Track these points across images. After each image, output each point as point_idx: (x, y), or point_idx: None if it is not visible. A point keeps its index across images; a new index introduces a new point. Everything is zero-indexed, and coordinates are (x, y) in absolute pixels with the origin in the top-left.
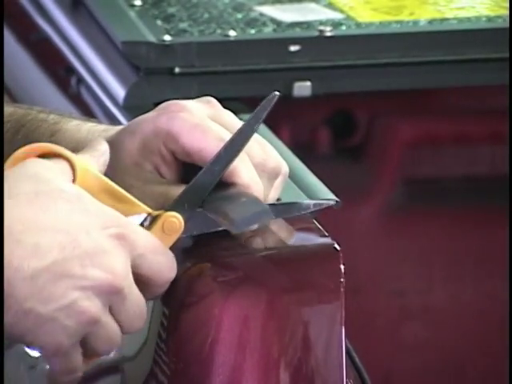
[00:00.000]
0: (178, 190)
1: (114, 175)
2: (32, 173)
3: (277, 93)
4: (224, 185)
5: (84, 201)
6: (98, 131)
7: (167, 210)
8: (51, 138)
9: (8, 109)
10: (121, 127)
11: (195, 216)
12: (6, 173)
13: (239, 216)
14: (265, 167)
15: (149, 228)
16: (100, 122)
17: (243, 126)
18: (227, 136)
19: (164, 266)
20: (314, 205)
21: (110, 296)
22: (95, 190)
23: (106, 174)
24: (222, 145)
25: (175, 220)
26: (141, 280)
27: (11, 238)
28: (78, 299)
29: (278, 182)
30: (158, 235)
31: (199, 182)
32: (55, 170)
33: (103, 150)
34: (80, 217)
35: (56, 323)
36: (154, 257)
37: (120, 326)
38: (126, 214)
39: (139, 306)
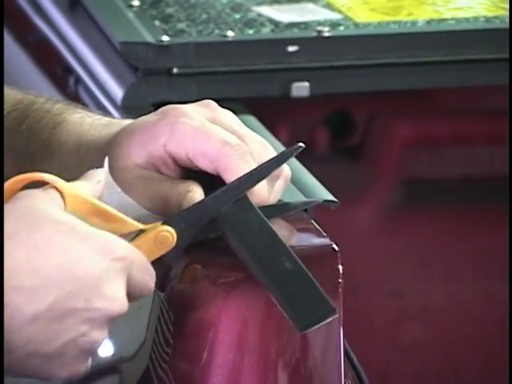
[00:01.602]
0: (178, 193)
1: (113, 174)
2: (24, 208)
3: (302, 144)
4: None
5: (79, 229)
6: (99, 126)
7: (163, 224)
8: (54, 130)
9: (16, 95)
10: (123, 122)
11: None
12: None
13: (307, 319)
14: None
15: (140, 237)
16: (105, 115)
17: (262, 165)
18: (229, 138)
19: (148, 284)
20: (305, 203)
21: (113, 319)
22: (85, 213)
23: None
24: (226, 148)
25: (168, 235)
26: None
27: (8, 285)
28: (86, 332)
29: (280, 185)
30: (148, 246)
31: (204, 206)
32: (46, 201)
33: (99, 178)
34: (77, 248)
35: (65, 357)
36: (142, 275)
37: None
38: (119, 232)
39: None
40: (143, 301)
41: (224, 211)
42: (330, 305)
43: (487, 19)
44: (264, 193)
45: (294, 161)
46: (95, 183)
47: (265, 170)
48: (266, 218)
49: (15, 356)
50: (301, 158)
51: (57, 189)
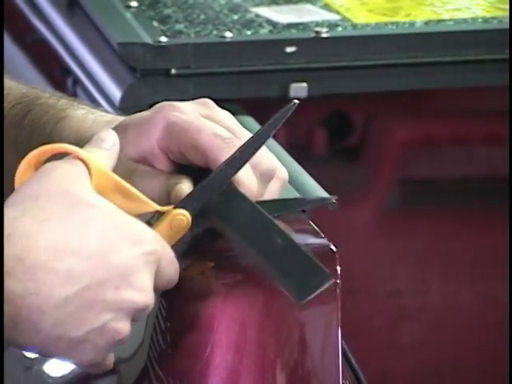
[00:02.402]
0: (167, 185)
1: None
2: (58, 189)
3: (296, 101)
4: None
5: (114, 216)
6: (102, 122)
7: (176, 207)
8: (56, 126)
9: (21, 89)
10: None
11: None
12: (27, 180)
13: (304, 289)
14: (257, 169)
15: (156, 224)
16: (108, 112)
17: (260, 130)
18: (222, 132)
19: (173, 276)
20: (314, 201)
21: (140, 312)
22: (108, 189)
23: None
24: (217, 141)
25: (183, 218)
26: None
27: (42, 266)
28: (112, 321)
29: (275, 186)
30: (165, 231)
31: (211, 182)
32: (78, 180)
33: (113, 141)
34: (112, 235)
35: (88, 344)
36: (168, 268)
37: None
38: (136, 212)
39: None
40: None
41: (213, 201)
42: (324, 271)
43: (485, 20)
44: (251, 183)
45: (292, 162)
46: (110, 149)
47: (265, 133)
48: (253, 202)
49: (42, 337)
50: (299, 158)
51: (83, 161)
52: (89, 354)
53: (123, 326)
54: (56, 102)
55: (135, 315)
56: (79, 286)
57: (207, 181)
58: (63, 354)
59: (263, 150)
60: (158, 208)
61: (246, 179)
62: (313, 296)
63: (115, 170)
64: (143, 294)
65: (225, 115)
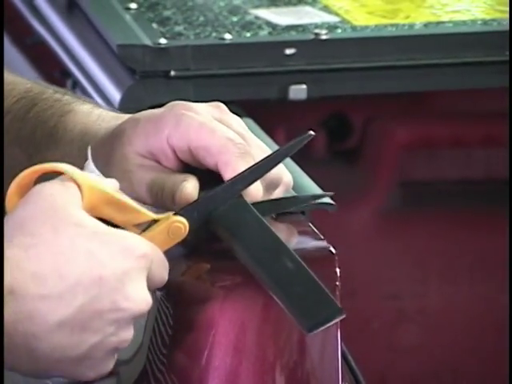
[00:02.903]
0: (173, 182)
1: (114, 161)
2: (45, 209)
3: (312, 133)
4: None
5: (100, 231)
6: (108, 117)
7: (176, 214)
8: (61, 119)
9: (26, 83)
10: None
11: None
12: (15, 205)
13: (314, 319)
14: (265, 177)
15: (153, 228)
16: (113, 111)
17: (274, 153)
18: (233, 136)
19: (163, 277)
20: (309, 198)
21: (139, 318)
22: (101, 204)
23: (108, 161)
24: (229, 144)
25: (181, 226)
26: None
27: (32, 295)
28: (113, 333)
29: (279, 192)
30: (162, 236)
31: (216, 196)
32: (66, 198)
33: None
34: (99, 251)
35: (93, 359)
36: (159, 270)
37: None
38: (133, 223)
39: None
40: None
41: (220, 212)
42: (336, 305)
43: (485, 22)
44: (258, 194)
45: (291, 163)
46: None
47: (278, 157)
48: (263, 219)
49: (43, 362)
50: (298, 160)
51: (74, 180)
52: (96, 367)
53: (126, 335)
54: (61, 97)
55: (135, 320)
56: (72, 308)
57: (213, 192)
58: (71, 373)
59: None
60: (155, 217)
61: (253, 189)
62: (322, 328)
63: (121, 163)
64: (140, 302)
65: (236, 120)
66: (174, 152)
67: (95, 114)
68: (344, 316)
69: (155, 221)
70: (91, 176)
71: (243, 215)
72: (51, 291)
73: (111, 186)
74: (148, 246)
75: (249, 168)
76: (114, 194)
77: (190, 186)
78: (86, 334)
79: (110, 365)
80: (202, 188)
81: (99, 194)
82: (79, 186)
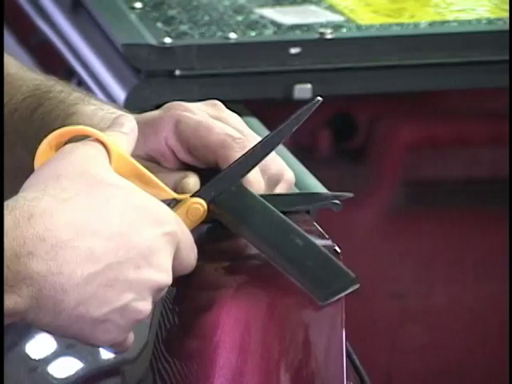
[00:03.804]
0: (174, 180)
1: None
2: (79, 170)
3: (319, 98)
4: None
5: (135, 196)
6: (110, 120)
7: (193, 195)
8: (65, 121)
9: (35, 80)
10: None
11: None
12: (48, 159)
13: (326, 290)
14: (265, 172)
15: (174, 211)
16: (119, 108)
17: (283, 125)
18: (232, 132)
19: (191, 261)
20: (332, 196)
21: (160, 291)
22: (126, 174)
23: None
24: (228, 140)
25: (199, 207)
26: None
27: (64, 245)
28: (133, 300)
29: (281, 189)
30: (181, 219)
31: (231, 172)
32: (99, 160)
33: (131, 126)
34: (132, 215)
35: (110, 323)
36: (187, 252)
37: None
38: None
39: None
40: None
41: (223, 197)
42: (350, 275)
43: (489, 21)
44: (260, 186)
45: (296, 163)
46: (129, 134)
47: (287, 128)
48: (267, 202)
49: (65, 317)
50: (303, 160)
51: (103, 145)
52: (111, 333)
53: (144, 306)
54: (67, 97)
55: (155, 295)
56: (100, 265)
57: (225, 172)
58: (85, 334)
59: (272, 154)
60: (175, 196)
61: (255, 182)
62: (336, 298)
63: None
64: (163, 274)
65: (233, 117)
66: (173, 153)
67: (98, 117)
68: (358, 286)
69: (176, 200)
70: (117, 140)
71: (247, 199)
72: (82, 244)
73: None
74: (178, 224)
75: (256, 144)
76: (140, 167)
77: (191, 182)
78: (109, 295)
79: (124, 336)
80: (202, 185)
81: (127, 164)
82: (108, 152)
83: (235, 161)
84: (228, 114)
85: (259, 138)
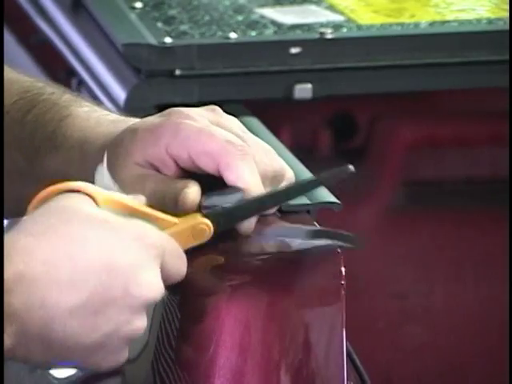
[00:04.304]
0: (175, 190)
1: (113, 172)
2: (57, 206)
3: (352, 168)
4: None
5: (111, 220)
6: (106, 121)
7: (203, 216)
8: (60, 123)
9: (24, 82)
10: (129, 120)
11: None
12: (33, 211)
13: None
14: (267, 174)
15: (179, 225)
16: (110, 111)
17: (312, 178)
18: (233, 138)
19: (181, 270)
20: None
21: (151, 305)
22: (119, 212)
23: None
24: (229, 147)
25: (206, 228)
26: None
27: (44, 278)
28: (126, 321)
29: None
30: (185, 235)
31: (246, 206)
32: (78, 199)
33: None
34: (110, 238)
35: (107, 348)
36: (174, 261)
37: None
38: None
39: None
40: None
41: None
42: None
43: (490, 21)
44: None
45: (296, 162)
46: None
47: (313, 183)
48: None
49: (56, 350)
50: (304, 159)
51: (88, 193)
52: (108, 357)
53: (139, 323)
54: (59, 98)
55: (149, 309)
56: (84, 294)
57: (245, 203)
58: (81, 363)
59: (273, 155)
60: (176, 221)
61: (254, 188)
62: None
63: (120, 174)
64: (152, 289)
65: (233, 122)
66: (174, 161)
67: (93, 118)
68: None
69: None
70: (106, 191)
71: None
72: (62, 277)
73: (128, 197)
74: (161, 236)
75: (283, 186)
76: (131, 202)
77: (192, 192)
78: (98, 321)
79: (124, 355)
80: (203, 193)
81: (115, 203)
82: (94, 199)
83: (258, 195)
84: (227, 119)
85: (260, 142)
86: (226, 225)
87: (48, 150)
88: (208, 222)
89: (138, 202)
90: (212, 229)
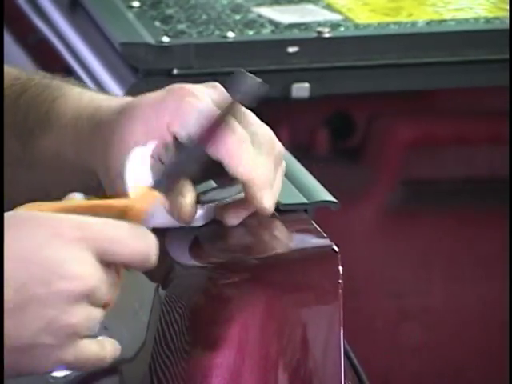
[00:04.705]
0: (174, 198)
1: (111, 148)
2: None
3: (259, 80)
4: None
5: (34, 218)
6: (98, 99)
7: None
8: (52, 104)
9: (12, 72)
10: (123, 98)
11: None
12: None
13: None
14: (271, 152)
15: (125, 203)
16: (102, 93)
17: (229, 104)
18: (233, 123)
19: (122, 253)
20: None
21: (86, 297)
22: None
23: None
24: (227, 132)
25: (150, 193)
26: (122, 265)
27: None
28: (55, 316)
29: (281, 171)
30: (136, 209)
31: (181, 162)
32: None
33: None
34: (31, 235)
35: (43, 347)
36: (123, 247)
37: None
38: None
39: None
40: (143, 301)
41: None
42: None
43: (487, 20)
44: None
45: (294, 162)
46: None
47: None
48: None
49: None
50: (301, 158)
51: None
52: (48, 357)
53: (76, 316)
54: (51, 82)
55: (89, 301)
56: (9, 291)
57: (178, 159)
58: (22, 366)
59: (272, 134)
60: (127, 203)
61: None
62: None
63: (119, 150)
64: (78, 281)
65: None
66: (174, 136)
67: (86, 97)
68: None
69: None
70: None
71: None
72: None
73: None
74: (82, 228)
75: (209, 121)
76: (74, 203)
77: (187, 201)
78: (24, 321)
79: (70, 352)
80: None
81: (59, 209)
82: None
83: (191, 143)
84: (227, 98)
85: (257, 119)
86: (172, 183)
87: (42, 130)
88: (155, 192)
89: (78, 199)
90: (156, 193)
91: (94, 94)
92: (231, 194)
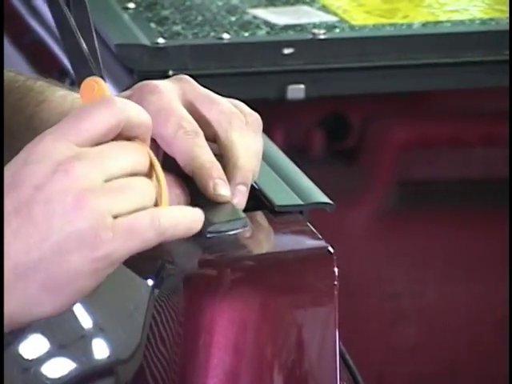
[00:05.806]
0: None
1: None
2: None
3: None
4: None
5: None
6: (79, 103)
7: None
8: (36, 108)
9: None
10: None
11: None
12: None
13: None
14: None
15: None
16: None
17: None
18: (186, 122)
19: (144, 129)
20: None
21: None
22: None
23: None
24: (179, 132)
25: (93, 83)
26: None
27: None
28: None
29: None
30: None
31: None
32: None
33: None
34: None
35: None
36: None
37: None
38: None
39: None
40: (139, 302)
41: None
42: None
43: (483, 21)
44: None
45: (289, 163)
46: None
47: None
48: None
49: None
50: (296, 160)
51: None
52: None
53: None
54: (33, 84)
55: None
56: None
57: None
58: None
59: (242, 106)
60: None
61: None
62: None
63: None
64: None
65: (199, 89)
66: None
67: (68, 102)
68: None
69: None
70: None
71: None
72: None
73: None
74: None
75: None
76: None
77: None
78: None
79: (90, 281)
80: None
81: None
82: None
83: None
84: (193, 87)
85: (229, 99)
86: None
87: (26, 132)
88: (93, 77)
89: None
90: (100, 79)
91: (76, 99)
92: (237, 226)
